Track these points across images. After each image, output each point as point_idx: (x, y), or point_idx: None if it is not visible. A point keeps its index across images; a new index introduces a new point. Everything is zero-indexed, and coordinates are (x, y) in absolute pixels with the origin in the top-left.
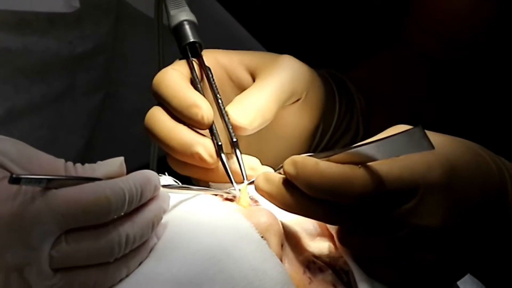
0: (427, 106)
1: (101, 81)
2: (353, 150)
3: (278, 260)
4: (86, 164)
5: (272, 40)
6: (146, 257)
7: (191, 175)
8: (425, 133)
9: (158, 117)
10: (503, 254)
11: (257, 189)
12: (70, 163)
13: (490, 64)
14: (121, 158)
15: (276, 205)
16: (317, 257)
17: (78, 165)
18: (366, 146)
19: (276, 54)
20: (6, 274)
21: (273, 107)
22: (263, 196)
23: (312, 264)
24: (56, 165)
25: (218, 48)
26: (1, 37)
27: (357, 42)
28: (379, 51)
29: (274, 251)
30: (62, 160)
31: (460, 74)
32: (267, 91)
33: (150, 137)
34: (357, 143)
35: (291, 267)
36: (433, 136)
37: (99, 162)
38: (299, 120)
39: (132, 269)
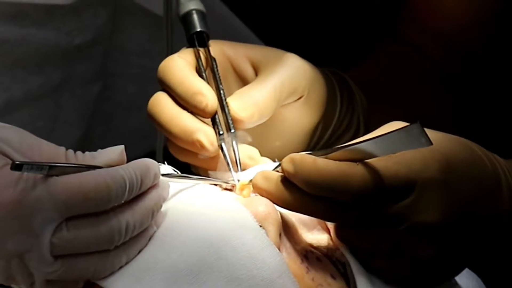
0: (427, 104)
1: (99, 72)
2: (351, 147)
3: (276, 249)
4: (87, 152)
5: (273, 39)
6: (146, 245)
7: (191, 163)
8: (423, 130)
9: (162, 103)
10: (499, 247)
11: (255, 187)
12: (70, 151)
13: (487, 63)
14: (122, 147)
15: (275, 203)
16: (314, 247)
17: (79, 153)
18: (364, 143)
19: (281, 51)
20: (7, 260)
21: (272, 105)
22: (261, 195)
23: (310, 254)
24: (57, 153)
25: None
26: None
27: (357, 40)
28: (379, 50)
29: (272, 240)
30: (63, 148)
31: (458, 73)
32: (267, 89)
33: (152, 122)
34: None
35: (289, 256)
36: (429, 133)
37: (99, 150)
38: (301, 118)
39: (131, 257)
